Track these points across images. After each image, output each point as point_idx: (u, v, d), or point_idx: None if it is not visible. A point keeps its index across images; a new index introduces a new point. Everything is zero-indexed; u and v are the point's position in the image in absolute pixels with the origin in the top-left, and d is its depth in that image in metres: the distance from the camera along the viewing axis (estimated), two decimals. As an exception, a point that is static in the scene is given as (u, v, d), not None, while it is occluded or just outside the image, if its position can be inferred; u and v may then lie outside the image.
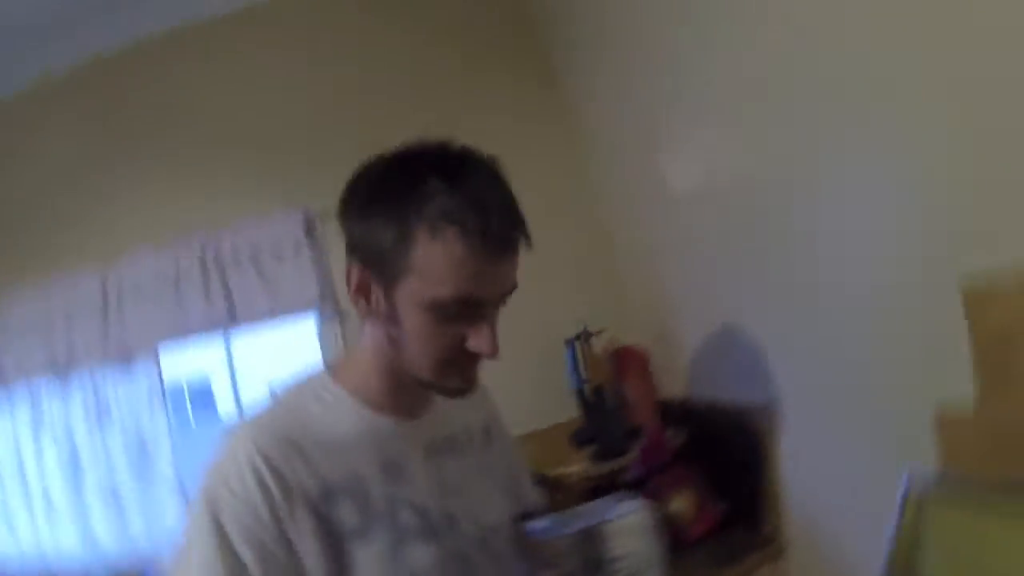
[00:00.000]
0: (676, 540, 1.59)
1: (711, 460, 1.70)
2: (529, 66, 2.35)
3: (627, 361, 1.90)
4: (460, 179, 0.74)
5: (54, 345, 2.37)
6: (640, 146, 1.88)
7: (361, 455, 0.82)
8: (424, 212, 0.72)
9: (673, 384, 1.93)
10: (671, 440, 1.73)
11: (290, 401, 0.87)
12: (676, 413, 1.82)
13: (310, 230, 2.13)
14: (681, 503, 1.62)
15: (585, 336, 1.84)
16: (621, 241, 2.13)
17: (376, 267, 0.78)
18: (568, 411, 1.90)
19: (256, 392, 3.17)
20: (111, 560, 2.32)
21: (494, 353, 0.77)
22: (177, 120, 2.35)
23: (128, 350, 2.26)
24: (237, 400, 2.37)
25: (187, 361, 2.45)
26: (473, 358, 0.79)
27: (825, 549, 1.43)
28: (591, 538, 1.39)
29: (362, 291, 0.80)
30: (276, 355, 3.25)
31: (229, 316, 2.14)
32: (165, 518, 2.24)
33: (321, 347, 2.25)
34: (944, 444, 1.01)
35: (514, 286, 0.79)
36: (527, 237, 0.78)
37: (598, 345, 1.88)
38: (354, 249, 0.80)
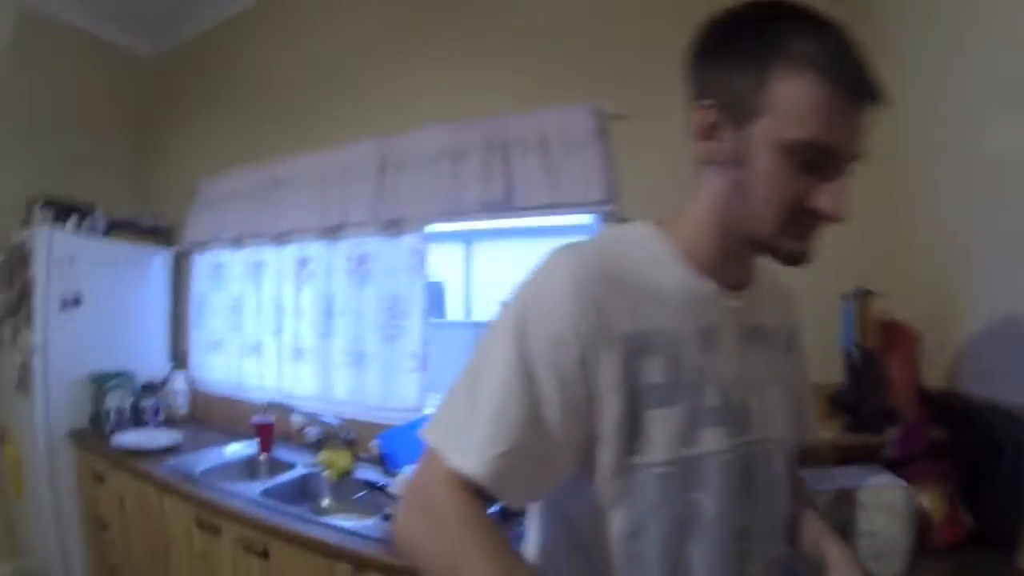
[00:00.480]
0: (920, 540, 1.48)
1: (969, 466, 1.55)
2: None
3: (896, 336, 1.75)
4: (823, 25, 0.71)
5: (328, 207, 2.58)
6: (956, 100, 1.67)
7: (680, 314, 0.79)
8: (786, 50, 0.70)
9: (938, 373, 1.76)
10: (930, 431, 1.59)
11: (613, 242, 0.84)
12: (937, 404, 1.66)
13: (600, 128, 2.05)
14: (931, 501, 1.49)
15: (865, 295, 1.70)
16: (912, 204, 1.93)
17: (728, 106, 0.75)
18: (829, 375, 1.79)
19: (487, 301, 3.34)
20: (345, 412, 2.55)
21: (838, 213, 0.73)
22: (482, 7, 2.40)
23: (397, 220, 2.40)
24: (468, 304, 2.45)
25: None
26: (815, 220, 0.75)
27: None
28: (846, 501, 1.33)
29: (709, 134, 0.78)
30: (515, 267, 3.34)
31: (506, 199, 2.15)
32: (402, 385, 2.39)
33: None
34: None
35: (862, 154, 0.74)
36: (885, 96, 0.72)
37: (874, 310, 1.74)
38: (703, 91, 0.78)
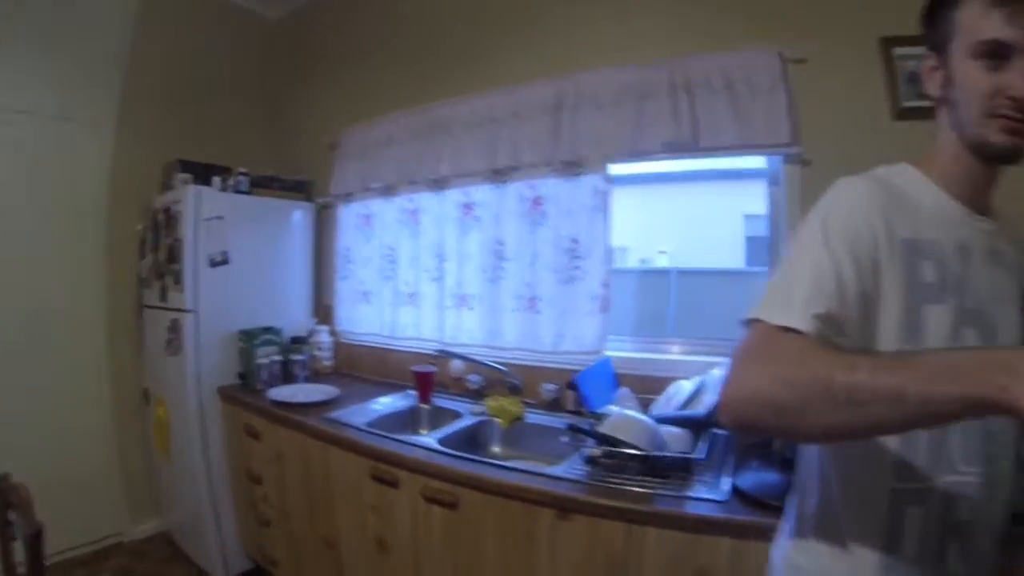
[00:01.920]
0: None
1: None
2: None
3: None
4: None
5: (497, 149, 2.51)
6: None
7: (940, 229, 0.90)
8: None
9: None
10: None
11: (883, 172, 0.95)
12: None
13: (785, 71, 1.96)
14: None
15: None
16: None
17: (936, 46, 0.93)
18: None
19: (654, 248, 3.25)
20: (511, 358, 2.51)
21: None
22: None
23: (576, 160, 2.31)
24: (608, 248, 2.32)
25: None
26: (1012, 109, 0.84)
27: None
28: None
29: (930, 75, 0.94)
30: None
31: (693, 140, 2.05)
32: (581, 327, 2.32)
33: (769, 197, 2.14)
34: None
35: None
36: None
37: None
38: (927, 45, 0.95)
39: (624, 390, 2.03)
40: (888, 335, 0.85)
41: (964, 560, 0.92)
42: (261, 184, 3.11)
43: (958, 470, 0.88)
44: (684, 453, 1.67)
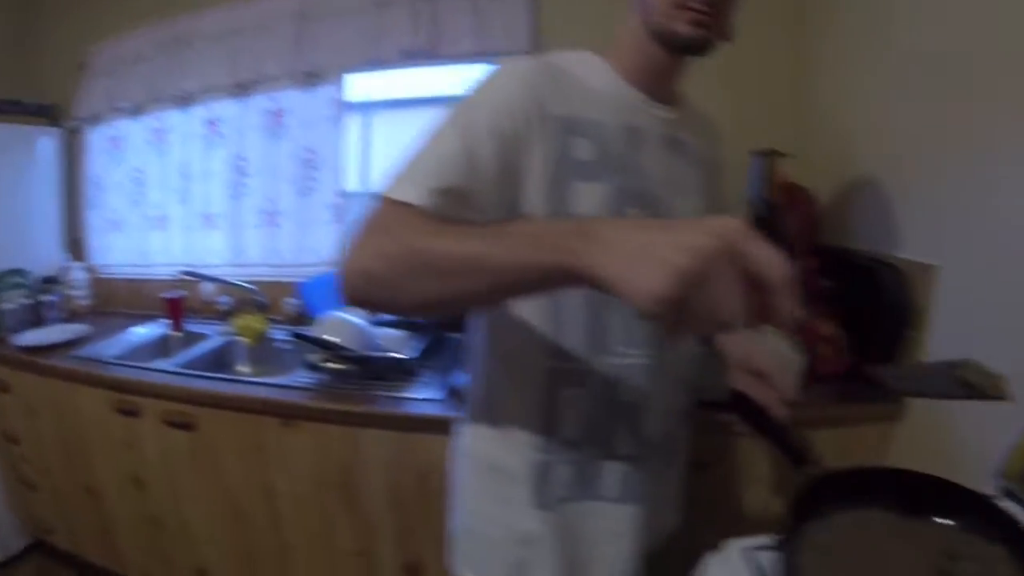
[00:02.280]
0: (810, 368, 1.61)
1: (856, 311, 1.70)
2: None
3: (794, 197, 1.88)
4: None
5: (239, 62, 2.45)
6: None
7: (608, 110, 0.89)
8: None
9: (836, 230, 1.90)
10: (821, 281, 1.72)
11: (557, 54, 0.92)
12: (830, 257, 1.80)
13: None
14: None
15: (772, 155, 1.80)
16: (824, 77, 2.04)
17: None
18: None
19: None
20: (257, 276, 2.49)
21: None
22: None
23: (315, 71, 2.32)
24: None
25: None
26: (700, 2, 0.83)
27: (944, 426, 1.42)
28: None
29: None
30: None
31: (431, 48, 2.12)
32: (318, 238, 2.37)
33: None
34: None
35: None
36: None
37: (779, 170, 1.84)
38: None
39: None
40: (534, 210, 0.83)
41: (634, 444, 0.97)
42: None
43: (618, 352, 0.91)
44: (397, 353, 1.75)
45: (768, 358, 1.04)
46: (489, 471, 1.00)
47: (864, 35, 1.82)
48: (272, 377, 1.85)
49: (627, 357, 0.92)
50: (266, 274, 2.47)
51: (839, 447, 1.54)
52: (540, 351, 0.90)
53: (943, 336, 1.47)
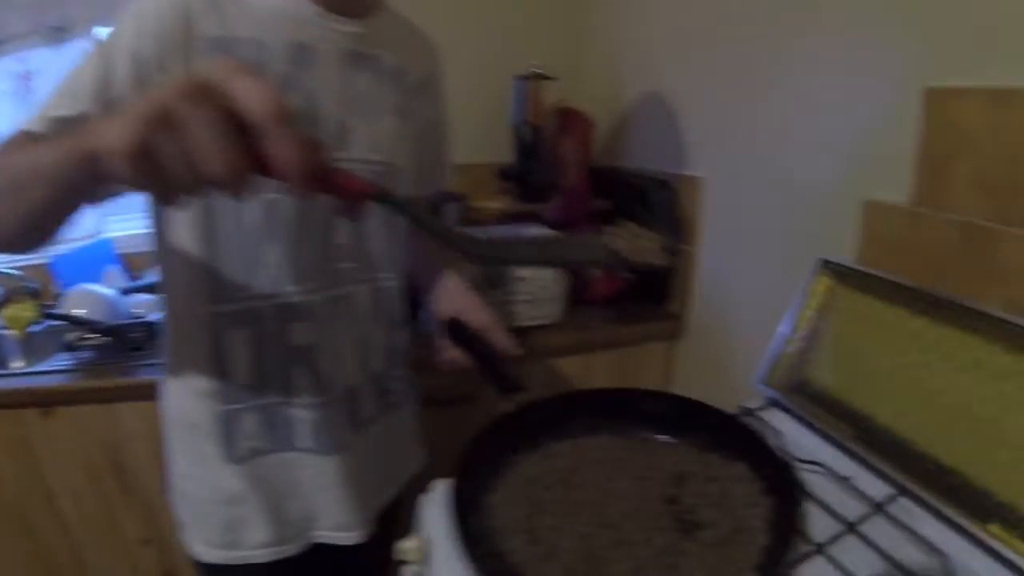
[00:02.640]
0: (579, 294, 1.63)
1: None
2: None
3: (570, 121, 1.85)
4: None
5: None
6: None
7: (270, 27, 0.82)
8: None
9: (610, 154, 1.91)
10: (594, 202, 1.72)
11: None
12: (607, 180, 1.81)
13: None
14: (590, 258, 1.63)
15: (537, 78, 1.76)
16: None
17: None
18: (505, 156, 1.85)
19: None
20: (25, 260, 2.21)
21: None
22: None
23: (63, 26, 2.02)
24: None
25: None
26: None
27: (721, 332, 1.49)
28: (502, 248, 1.40)
29: None
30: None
31: None
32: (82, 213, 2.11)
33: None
34: (865, 238, 1.06)
35: None
36: None
37: (548, 95, 1.81)
38: None
39: (113, 268, 1.93)
40: None
41: (317, 388, 0.92)
42: None
43: (284, 289, 0.87)
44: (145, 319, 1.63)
45: (480, 313, 1.05)
46: (186, 429, 0.93)
47: None
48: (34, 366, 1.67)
49: (295, 295, 0.88)
50: (34, 258, 2.24)
51: (623, 369, 1.58)
52: (201, 294, 0.86)
53: (711, 244, 1.52)
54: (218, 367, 0.88)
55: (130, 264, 2.02)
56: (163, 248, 0.87)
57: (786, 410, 0.99)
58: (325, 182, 0.46)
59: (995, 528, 0.69)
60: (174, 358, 0.92)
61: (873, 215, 1.05)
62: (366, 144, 0.90)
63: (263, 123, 0.42)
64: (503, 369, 0.94)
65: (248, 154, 0.43)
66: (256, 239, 0.84)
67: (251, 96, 0.42)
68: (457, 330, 1.02)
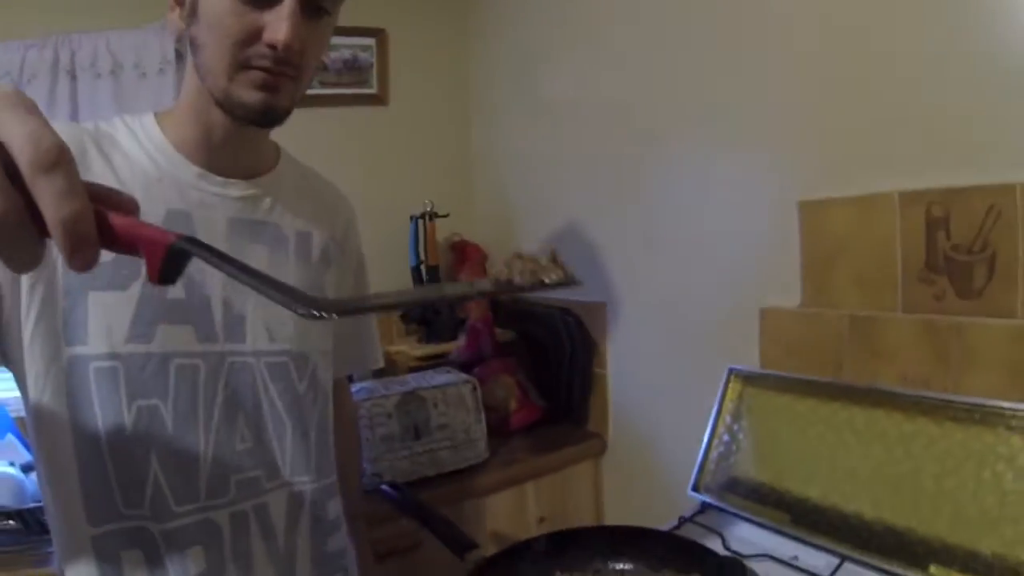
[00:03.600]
0: (497, 427, 1.62)
1: (539, 358, 1.76)
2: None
3: (466, 254, 1.92)
4: None
5: None
6: (519, 55, 1.89)
7: (150, 195, 0.70)
8: None
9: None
10: (499, 334, 1.76)
11: (102, 125, 0.75)
12: (508, 311, 1.86)
13: (180, 52, 1.80)
14: (503, 392, 1.65)
15: (430, 215, 1.81)
16: (481, 138, 2.13)
17: None
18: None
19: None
20: None
21: (287, 40, 0.66)
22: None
23: None
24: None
25: None
26: (266, 57, 0.68)
27: (644, 445, 1.52)
28: (415, 401, 1.39)
29: (172, 3, 0.72)
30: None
31: None
32: None
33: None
34: (766, 342, 1.15)
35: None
36: None
37: (442, 232, 1.87)
38: None
39: (8, 438, 1.68)
40: (40, 329, 0.66)
41: None
42: None
43: (177, 510, 0.70)
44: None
45: None
46: None
47: (516, 93, 1.92)
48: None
49: (189, 515, 0.72)
50: None
51: (555, 494, 1.57)
52: (79, 511, 0.70)
53: (622, 363, 1.58)
54: None
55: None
56: (35, 446, 0.72)
57: (722, 511, 1.03)
58: (108, 239, 0.37)
59: (935, 569, 0.77)
60: None
61: (770, 320, 1.14)
62: (264, 333, 0.77)
63: (28, 169, 0.33)
64: (454, 531, 0.93)
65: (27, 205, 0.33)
66: (132, 449, 0.68)
67: (13, 135, 0.33)
68: (404, 498, 1.01)
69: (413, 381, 1.45)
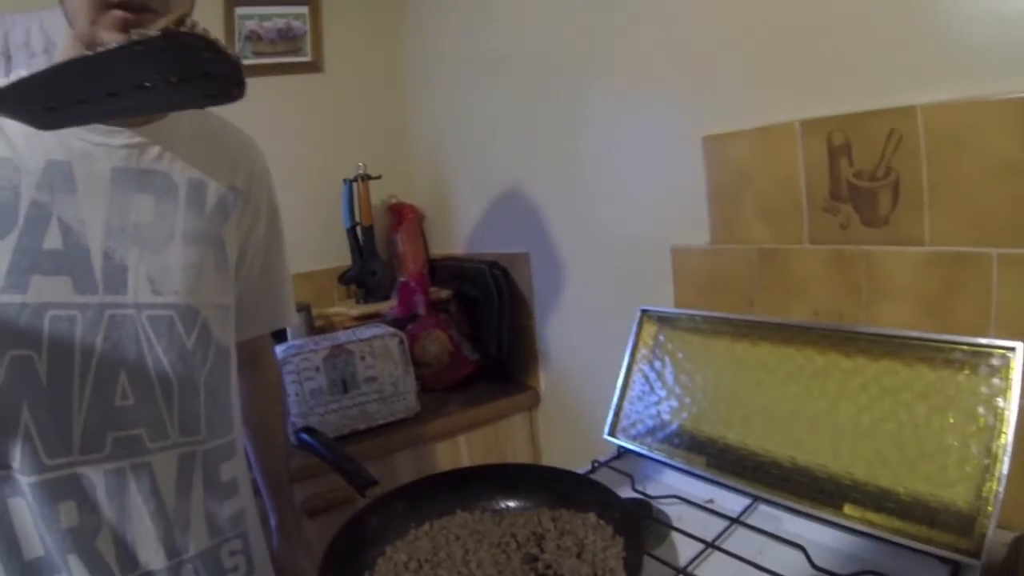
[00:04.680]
0: (431, 382, 1.62)
1: (473, 313, 1.75)
2: None
3: (402, 215, 1.90)
4: None
5: None
6: (450, 16, 1.85)
7: (29, 143, 0.69)
8: None
9: (443, 244, 1.96)
10: (434, 293, 1.74)
11: None
12: (444, 269, 1.85)
13: None
14: (435, 347, 1.63)
15: (363, 178, 1.79)
16: (415, 101, 2.09)
17: None
18: (344, 260, 1.85)
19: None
20: None
21: None
22: None
23: None
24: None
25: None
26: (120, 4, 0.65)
27: (573, 393, 1.53)
28: (342, 353, 1.37)
29: None
30: None
31: None
32: None
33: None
34: (678, 281, 1.14)
35: None
36: None
37: (377, 194, 1.85)
38: None
39: None
40: None
41: None
42: None
43: (49, 463, 0.68)
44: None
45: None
46: None
47: (447, 54, 1.88)
48: None
49: (62, 468, 0.70)
50: None
51: (489, 446, 1.58)
52: None
53: (548, 314, 1.57)
54: None
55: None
56: None
57: (638, 455, 1.02)
58: None
59: (849, 509, 0.75)
60: None
61: (681, 258, 1.14)
62: (147, 285, 0.74)
63: None
64: (356, 468, 0.91)
65: None
66: (3, 399, 0.66)
67: None
68: (317, 441, 1.00)
69: (342, 336, 1.43)
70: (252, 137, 0.92)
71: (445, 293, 1.76)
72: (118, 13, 0.65)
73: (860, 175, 0.88)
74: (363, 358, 1.39)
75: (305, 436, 1.04)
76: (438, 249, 1.95)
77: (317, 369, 1.34)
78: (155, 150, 0.76)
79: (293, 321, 1.04)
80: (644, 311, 1.09)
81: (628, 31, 1.21)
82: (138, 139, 0.74)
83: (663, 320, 1.07)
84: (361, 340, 1.40)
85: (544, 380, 1.62)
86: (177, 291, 0.76)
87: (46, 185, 0.68)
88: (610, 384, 1.10)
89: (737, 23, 1.02)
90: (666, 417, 1.02)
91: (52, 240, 0.68)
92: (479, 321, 1.72)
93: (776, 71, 0.97)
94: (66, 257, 0.69)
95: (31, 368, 0.67)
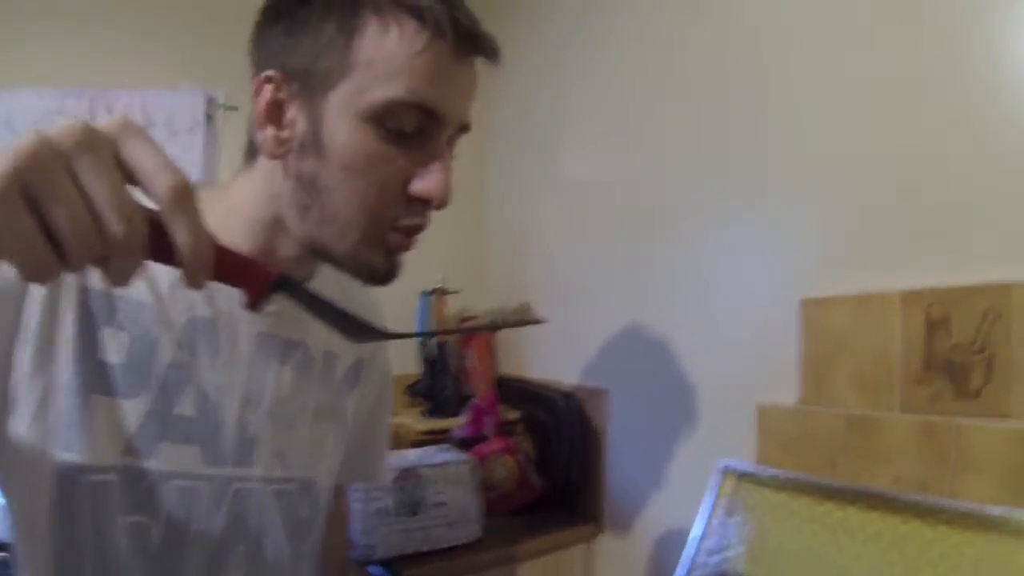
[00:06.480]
0: (494, 506, 1.60)
1: (540, 439, 1.74)
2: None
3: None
4: None
5: None
6: (534, 135, 1.95)
7: (173, 293, 0.63)
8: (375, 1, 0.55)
9: (514, 363, 1.97)
10: (502, 412, 1.75)
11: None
12: (513, 390, 1.85)
13: (210, 113, 1.91)
14: (503, 471, 1.63)
15: (440, 292, 1.84)
16: (493, 215, 2.17)
17: (300, 75, 0.57)
18: (412, 367, 1.88)
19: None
20: None
21: (444, 196, 0.59)
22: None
23: None
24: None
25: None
26: (412, 213, 0.60)
27: (638, 534, 1.50)
28: (413, 478, 1.38)
29: (274, 112, 0.59)
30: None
31: None
32: None
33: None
34: (762, 438, 1.14)
35: (469, 125, 0.63)
36: (494, 51, 0.60)
37: (452, 307, 1.89)
38: (271, 60, 0.59)
39: None
40: (33, 433, 0.57)
41: None
42: None
43: None
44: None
45: None
46: None
47: (530, 174, 1.97)
48: None
49: None
50: None
51: (552, 572, 1.55)
52: None
53: (619, 450, 1.57)
54: None
55: None
56: (13, 540, 0.64)
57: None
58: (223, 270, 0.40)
59: None
60: None
61: (767, 417, 1.14)
62: (275, 458, 0.70)
63: (164, 201, 0.34)
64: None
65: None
66: (115, 567, 0.61)
67: (149, 165, 0.34)
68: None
69: (413, 458, 1.44)
70: (377, 294, 0.83)
71: (513, 415, 1.77)
72: (399, 237, 0.61)
73: (955, 349, 0.88)
74: (435, 483, 1.39)
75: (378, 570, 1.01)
76: (507, 368, 1.97)
77: (386, 490, 1.35)
78: (297, 318, 0.69)
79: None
80: (727, 467, 1.09)
81: (731, 185, 1.26)
82: (279, 308, 0.67)
83: (745, 476, 1.07)
84: (434, 465, 1.41)
85: (608, 515, 1.60)
86: (303, 466, 0.74)
87: (187, 343, 0.63)
88: (678, 531, 1.09)
89: (842, 189, 1.06)
90: (740, 571, 1.01)
91: (186, 406, 0.63)
92: (546, 447, 1.71)
93: (877, 239, 1.00)
94: (199, 426, 0.64)
95: (146, 536, 0.62)
